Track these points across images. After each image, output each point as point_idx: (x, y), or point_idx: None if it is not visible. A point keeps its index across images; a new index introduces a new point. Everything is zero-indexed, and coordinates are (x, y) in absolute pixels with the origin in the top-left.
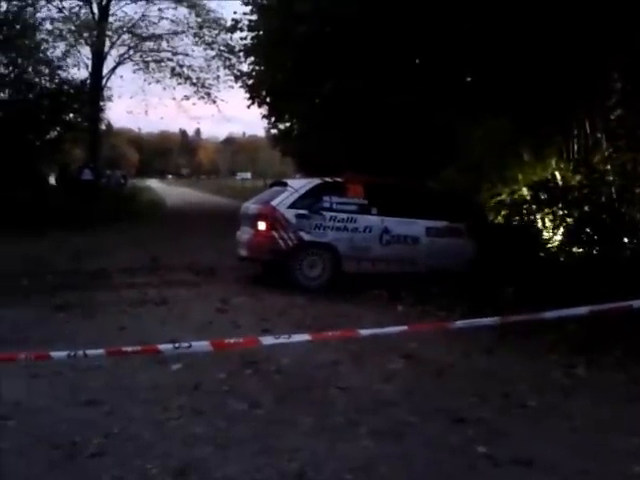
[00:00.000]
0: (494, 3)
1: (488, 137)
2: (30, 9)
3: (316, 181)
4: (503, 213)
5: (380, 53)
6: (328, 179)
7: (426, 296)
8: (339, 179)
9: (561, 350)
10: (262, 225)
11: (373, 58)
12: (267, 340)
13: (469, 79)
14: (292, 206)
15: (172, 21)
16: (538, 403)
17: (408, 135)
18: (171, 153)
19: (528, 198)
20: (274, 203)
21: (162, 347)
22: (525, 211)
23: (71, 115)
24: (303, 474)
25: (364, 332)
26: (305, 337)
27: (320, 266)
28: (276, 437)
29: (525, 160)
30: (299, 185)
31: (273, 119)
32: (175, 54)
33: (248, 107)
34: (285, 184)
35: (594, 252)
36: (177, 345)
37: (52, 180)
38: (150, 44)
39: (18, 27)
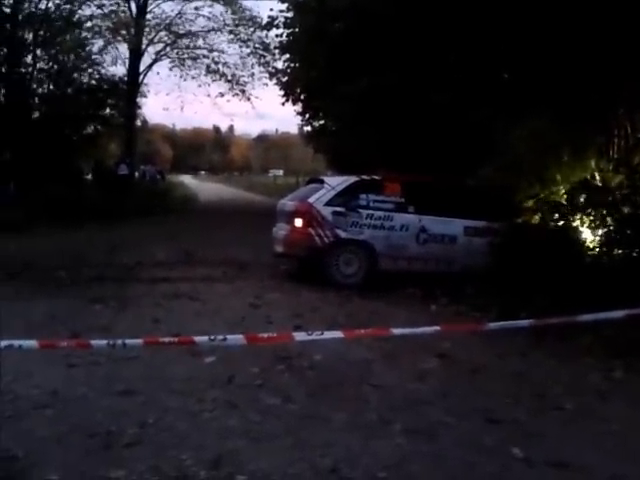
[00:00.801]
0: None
1: (528, 136)
2: (70, 6)
3: (353, 179)
4: (541, 214)
5: (415, 49)
6: (365, 177)
7: (460, 296)
8: (376, 177)
9: (598, 353)
10: (299, 222)
11: (408, 54)
12: (300, 336)
13: (506, 76)
14: (329, 203)
15: (208, 18)
16: (574, 405)
17: (444, 132)
18: (204, 149)
19: (566, 199)
20: (311, 200)
21: (197, 339)
22: (564, 212)
23: (108, 111)
24: (336, 470)
25: (397, 331)
26: (338, 334)
27: (356, 264)
28: (309, 432)
29: (564, 160)
30: (336, 182)
31: (307, 116)
32: (211, 51)
33: (282, 104)
34: (322, 181)
35: (634, 254)
36: (212, 338)
37: (88, 175)
38: (186, 41)
39: (59, 24)
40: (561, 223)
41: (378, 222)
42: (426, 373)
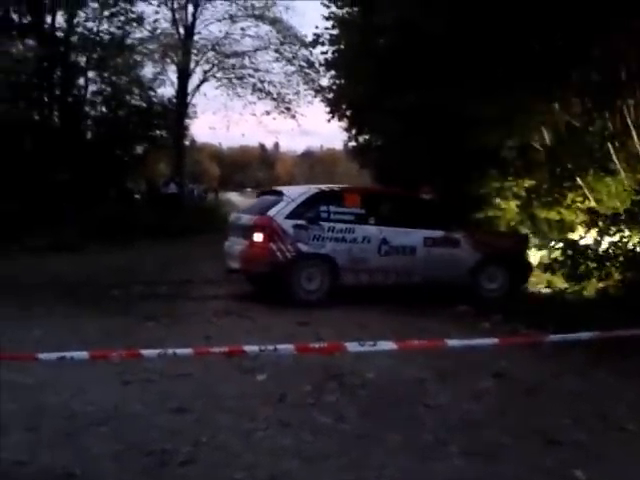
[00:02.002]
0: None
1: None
2: (122, 30)
3: (313, 190)
4: (598, 227)
5: (462, 64)
6: (324, 188)
7: (515, 313)
8: (336, 188)
9: None
10: (258, 236)
11: (455, 69)
12: (352, 346)
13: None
14: (289, 216)
15: (254, 38)
16: (637, 426)
17: (493, 148)
18: (250, 167)
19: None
20: (271, 213)
21: (247, 348)
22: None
23: (157, 131)
24: None
25: (452, 342)
26: (391, 345)
27: (318, 279)
28: (362, 452)
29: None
30: (295, 194)
31: (353, 132)
32: (256, 70)
33: (328, 121)
34: (278, 193)
35: None
36: (262, 348)
37: (137, 194)
38: (233, 61)
39: (111, 47)
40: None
41: (340, 235)
42: (482, 392)
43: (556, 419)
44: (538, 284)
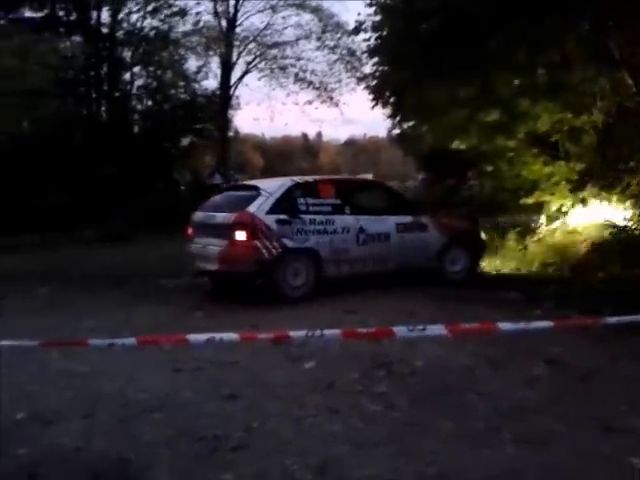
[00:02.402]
0: None
1: None
2: (166, 25)
3: (288, 183)
4: None
5: (508, 48)
6: (299, 180)
7: (567, 299)
8: (309, 179)
9: None
10: (241, 235)
11: (501, 53)
12: (401, 331)
13: None
14: (270, 211)
15: (296, 28)
16: None
17: (543, 132)
18: (293, 157)
19: None
20: (251, 209)
21: (293, 334)
22: None
23: (202, 124)
24: (444, 479)
25: (504, 326)
26: (441, 330)
27: (304, 273)
28: (413, 440)
29: None
30: (272, 188)
31: (397, 119)
32: (298, 60)
33: (372, 108)
34: (250, 188)
35: None
36: (310, 334)
37: (183, 185)
38: (275, 51)
39: (156, 42)
40: None
41: (321, 227)
42: (535, 379)
43: (611, 405)
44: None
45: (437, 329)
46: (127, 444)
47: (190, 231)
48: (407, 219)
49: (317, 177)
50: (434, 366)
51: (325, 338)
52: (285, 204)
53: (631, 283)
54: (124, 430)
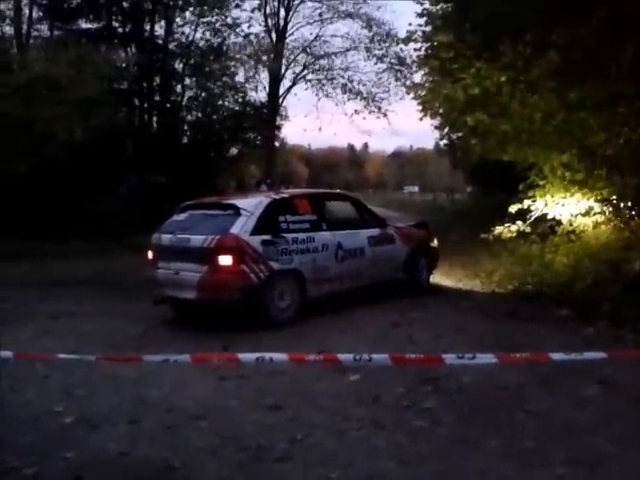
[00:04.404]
0: None
1: None
2: (217, 37)
3: (266, 200)
4: None
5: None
6: (275, 195)
7: (620, 318)
8: (285, 194)
9: None
10: (227, 259)
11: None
12: (450, 359)
13: None
14: (254, 232)
15: (344, 38)
16: None
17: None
18: (339, 167)
19: None
20: (235, 231)
21: (342, 357)
22: None
23: (250, 134)
24: None
25: (556, 356)
26: (491, 358)
27: (289, 295)
28: (460, 457)
29: None
30: (251, 206)
31: (446, 130)
32: (347, 70)
33: (420, 119)
34: (214, 206)
35: None
36: (358, 357)
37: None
38: (323, 62)
39: (207, 54)
40: None
41: (303, 246)
42: (586, 400)
43: None
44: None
45: (487, 358)
46: (173, 451)
47: (152, 255)
48: (376, 232)
49: (293, 191)
50: (482, 383)
51: (373, 363)
52: (266, 223)
53: None
54: (170, 437)
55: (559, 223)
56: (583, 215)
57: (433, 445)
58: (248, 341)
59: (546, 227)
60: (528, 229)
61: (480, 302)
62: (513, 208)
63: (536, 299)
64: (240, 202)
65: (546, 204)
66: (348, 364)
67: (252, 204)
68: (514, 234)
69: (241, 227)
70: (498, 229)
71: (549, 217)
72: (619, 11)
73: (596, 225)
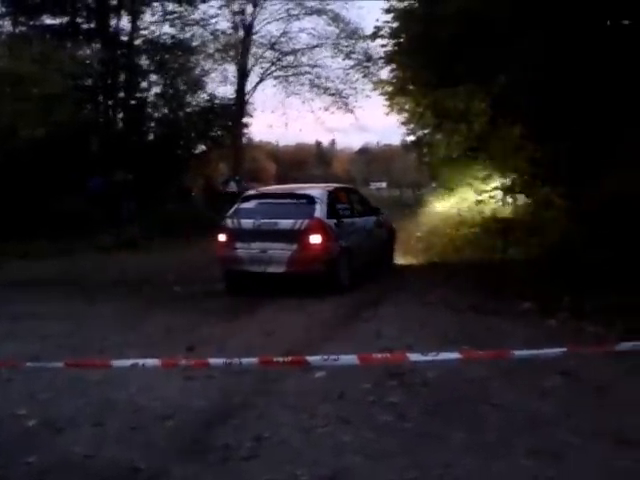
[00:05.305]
0: None
1: None
2: (184, 33)
3: (326, 190)
4: None
5: (525, 53)
6: (328, 188)
7: (581, 310)
8: (332, 187)
9: None
10: (316, 238)
11: (518, 58)
12: (414, 357)
13: None
14: (328, 217)
15: (311, 35)
16: None
17: (564, 138)
18: (306, 164)
19: None
20: (318, 215)
21: (310, 359)
22: None
23: (217, 131)
24: None
25: (519, 353)
26: (454, 355)
27: (346, 266)
28: (426, 451)
29: None
30: (320, 195)
31: (412, 125)
32: (314, 67)
33: (387, 114)
34: (287, 195)
35: None
36: (325, 357)
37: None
38: (290, 58)
39: (175, 50)
40: None
41: (351, 228)
42: (548, 391)
43: (626, 418)
44: None
45: (451, 355)
46: (138, 452)
47: (228, 237)
48: (374, 218)
49: (333, 185)
50: (447, 377)
51: (340, 362)
52: (331, 209)
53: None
54: (136, 438)
55: None
56: None
57: (398, 439)
58: (213, 341)
59: None
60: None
61: (444, 296)
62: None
63: (500, 293)
64: (310, 191)
65: None
66: (316, 364)
67: (320, 193)
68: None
69: (320, 212)
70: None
71: None
72: None
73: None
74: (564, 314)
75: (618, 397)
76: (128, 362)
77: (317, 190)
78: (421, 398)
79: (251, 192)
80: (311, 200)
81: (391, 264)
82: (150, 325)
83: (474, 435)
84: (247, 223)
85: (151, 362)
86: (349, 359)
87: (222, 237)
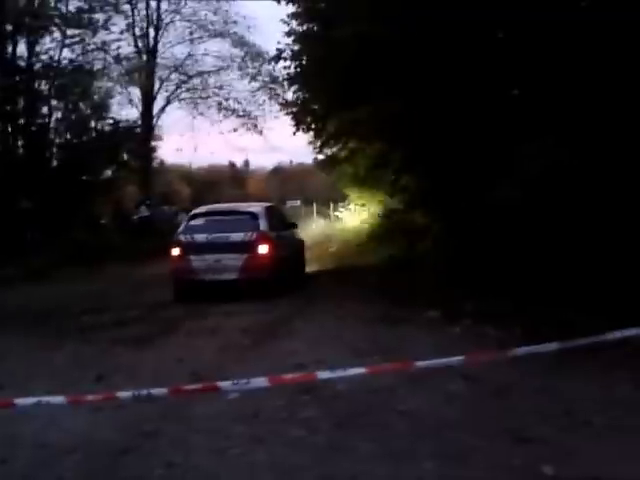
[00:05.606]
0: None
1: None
2: (84, 57)
3: (263, 207)
4: None
5: (420, 72)
6: (264, 205)
7: (483, 316)
8: (265, 204)
9: (630, 365)
10: (264, 248)
11: (414, 77)
12: (324, 374)
13: (516, 92)
14: (270, 229)
15: (217, 57)
16: (603, 420)
17: (458, 152)
18: (220, 185)
19: None
20: (264, 229)
21: (221, 384)
22: None
23: (124, 155)
24: None
25: (421, 363)
26: (361, 370)
27: (285, 274)
28: (336, 463)
29: None
30: (261, 212)
31: (319, 144)
32: (220, 88)
33: (294, 134)
34: (230, 212)
35: None
36: (236, 382)
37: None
38: (197, 81)
39: (74, 74)
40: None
41: (283, 240)
42: (453, 395)
43: (524, 417)
44: None
45: (358, 370)
46: None
47: (182, 250)
48: (293, 231)
49: (264, 204)
50: (356, 388)
51: (251, 385)
52: (270, 224)
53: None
54: (41, 474)
55: None
56: None
57: (310, 453)
58: (122, 370)
59: None
60: None
61: (354, 310)
62: None
63: (406, 301)
64: (252, 209)
65: None
66: (227, 389)
67: (260, 210)
68: None
69: (264, 226)
70: None
71: None
72: None
73: None
74: (467, 321)
75: (516, 397)
76: (31, 400)
77: (257, 207)
78: (332, 411)
79: (197, 210)
80: (254, 216)
81: (304, 271)
82: (58, 356)
83: (382, 443)
84: (200, 237)
85: (56, 399)
86: (259, 382)
87: (176, 251)
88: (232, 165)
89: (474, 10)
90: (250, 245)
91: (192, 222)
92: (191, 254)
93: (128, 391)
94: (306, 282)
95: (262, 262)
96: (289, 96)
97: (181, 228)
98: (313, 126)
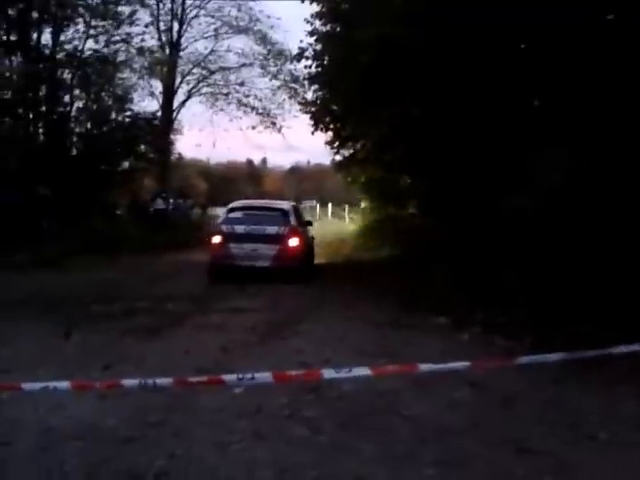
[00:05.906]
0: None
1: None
2: (107, 48)
3: (291, 204)
4: None
5: (442, 77)
6: (291, 203)
7: (493, 325)
8: (292, 202)
9: (635, 380)
10: (295, 241)
11: (434, 83)
12: (328, 373)
13: (536, 103)
14: (298, 225)
15: (239, 54)
16: (608, 435)
17: (474, 159)
18: (238, 182)
19: None
20: (294, 224)
21: (226, 378)
22: None
23: (143, 147)
24: None
25: (424, 367)
26: (365, 371)
27: (310, 264)
28: (338, 463)
29: None
30: (290, 208)
31: (336, 144)
32: (241, 85)
33: (312, 133)
34: (263, 208)
35: None
36: (241, 377)
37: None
38: (218, 77)
39: (98, 65)
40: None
41: (309, 234)
42: (457, 402)
43: (528, 428)
44: None
45: (362, 371)
46: (47, 475)
47: (223, 239)
48: (309, 227)
49: (289, 202)
50: (361, 390)
51: (256, 381)
52: (297, 220)
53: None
54: (45, 459)
55: None
56: None
57: (313, 453)
58: (130, 360)
59: None
60: None
61: (364, 312)
62: None
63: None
64: (282, 206)
65: None
66: (232, 384)
67: (289, 207)
68: None
69: (294, 221)
70: None
71: None
72: None
73: None
74: (477, 329)
75: (521, 408)
76: (39, 385)
77: (286, 204)
78: (336, 411)
79: (233, 204)
80: (285, 212)
81: (313, 263)
82: (67, 343)
83: (385, 446)
84: (240, 228)
85: (63, 385)
86: (264, 377)
87: (217, 238)
88: (250, 162)
89: (499, 9)
90: (283, 237)
91: (231, 215)
92: (231, 242)
93: (134, 379)
94: (316, 273)
95: (292, 253)
96: (309, 95)
97: (221, 219)
98: (332, 126)
